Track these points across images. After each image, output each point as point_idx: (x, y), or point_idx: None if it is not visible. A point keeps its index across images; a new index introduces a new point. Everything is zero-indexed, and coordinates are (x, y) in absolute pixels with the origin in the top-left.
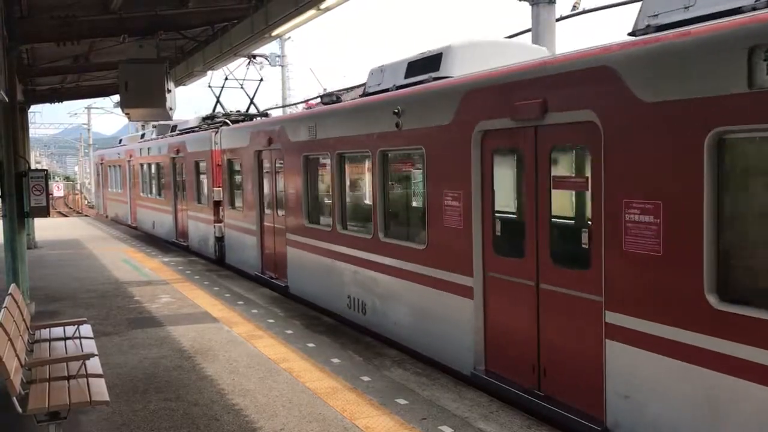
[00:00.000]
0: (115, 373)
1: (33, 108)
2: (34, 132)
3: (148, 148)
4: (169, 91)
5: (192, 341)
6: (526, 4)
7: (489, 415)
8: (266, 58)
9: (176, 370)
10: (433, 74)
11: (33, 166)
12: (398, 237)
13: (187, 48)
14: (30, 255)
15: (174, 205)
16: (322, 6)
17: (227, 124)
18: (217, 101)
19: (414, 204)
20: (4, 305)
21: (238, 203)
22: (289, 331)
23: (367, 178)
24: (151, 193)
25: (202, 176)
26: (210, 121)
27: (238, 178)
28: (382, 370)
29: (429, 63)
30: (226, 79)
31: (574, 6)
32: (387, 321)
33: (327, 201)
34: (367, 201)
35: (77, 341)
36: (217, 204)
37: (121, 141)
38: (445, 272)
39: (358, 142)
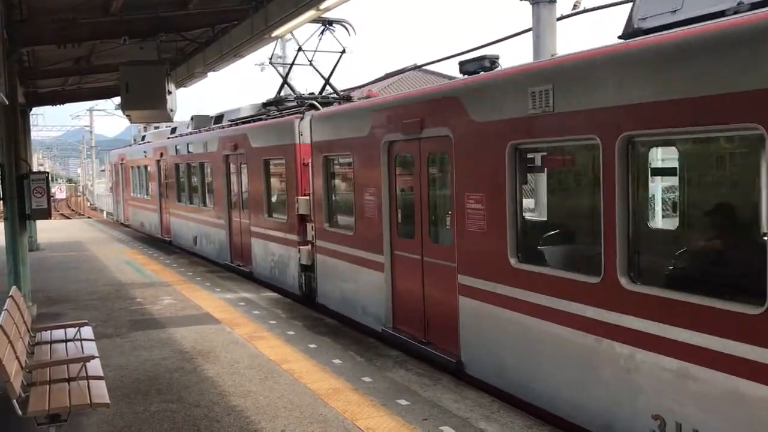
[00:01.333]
0: (116, 375)
1: (35, 110)
2: (36, 134)
3: (187, 145)
4: (170, 92)
5: (193, 343)
6: (527, 3)
7: (490, 415)
8: (346, 25)
9: (177, 372)
10: None
11: (36, 169)
12: None
13: (187, 50)
14: (32, 257)
15: (228, 217)
16: (322, 6)
17: (315, 108)
18: (284, 81)
19: None
20: (4, 308)
21: (342, 220)
22: (291, 332)
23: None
24: (191, 200)
25: (275, 180)
26: (275, 107)
27: (342, 183)
28: (384, 370)
29: None
30: (300, 50)
31: (575, 5)
32: None
33: (578, 226)
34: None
35: (78, 343)
36: (302, 219)
37: (144, 138)
38: None
39: (727, 107)
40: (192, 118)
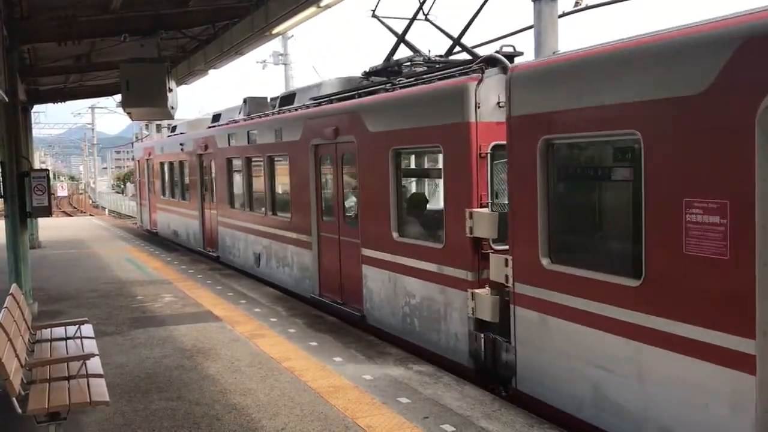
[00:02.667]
0: (116, 373)
1: (37, 108)
2: (38, 132)
3: (248, 134)
4: (171, 90)
5: (194, 340)
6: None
7: (491, 413)
8: None
9: (178, 370)
10: None
11: (38, 166)
12: None
13: (188, 47)
14: (33, 255)
15: (317, 232)
16: (322, 3)
17: (497, 63)
18: (401, 39)
19: None
20: (4, 305)
21: (593, 253)
22: (292, 330)
23: None
24: (253, 206)
25: (413, 180)
26: (383, 77)
27: (589, 188)
28: (385, 368)
29: None
30: None
31: (577, 2)
32: None
33: None
34: None
35: (78, 341)
36: (476, 245)
37: (175, 128)
38: None
39: None
40: (245, 101)
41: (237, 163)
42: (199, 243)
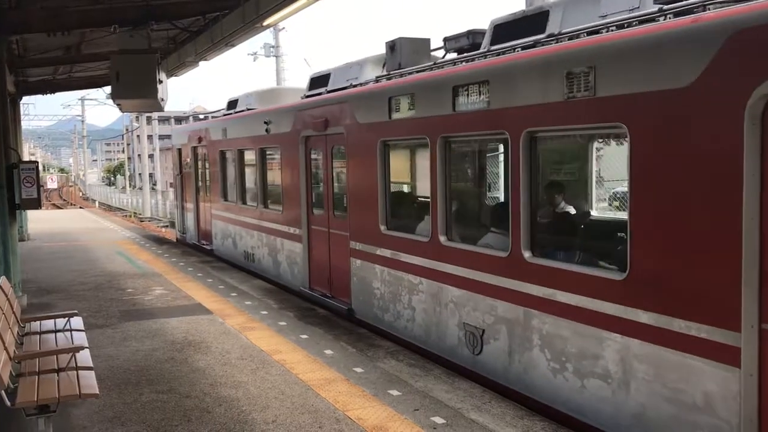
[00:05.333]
0: (106, 366)
1: (26, 100)
2: (28, 124)
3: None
4: (161, 81)
5: (185, 333)
6: None
7: (482, 405)
8: None
9: (168, 362)
10: None
11: (27, 158)
12: None
13: (179, 38)
14: (23, 247)
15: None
16: None
17: None
18: None
19: None
20: None
21: None
22: (283, 323)
23: None
24: (450, 235)
25: None
26: None
27: None
28: (376, 361)
29: None
30: None
31: None
32: None
33: None
34: None
35: (68, 334)
36: None
37: (235, 103)
38: None
39: None
40: (392, 46)
41: (400, 149)
42: (301, 279)
